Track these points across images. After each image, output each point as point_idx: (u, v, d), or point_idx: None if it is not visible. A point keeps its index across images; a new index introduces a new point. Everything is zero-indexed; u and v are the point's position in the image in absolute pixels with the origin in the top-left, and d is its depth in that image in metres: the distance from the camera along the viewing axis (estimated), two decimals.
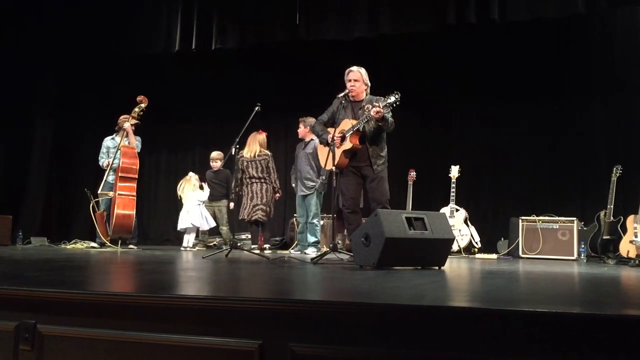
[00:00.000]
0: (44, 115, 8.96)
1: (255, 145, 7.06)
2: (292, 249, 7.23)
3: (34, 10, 8.34)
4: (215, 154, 7.97)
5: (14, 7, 8.27)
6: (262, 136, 7.15)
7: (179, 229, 7.63)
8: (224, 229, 7.83)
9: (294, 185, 7.18)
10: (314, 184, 6.82)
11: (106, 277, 3.34)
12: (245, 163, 7.04)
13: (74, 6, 8.27)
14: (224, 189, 7.91)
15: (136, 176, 7.18)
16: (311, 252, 6.44)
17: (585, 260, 6.21)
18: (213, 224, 7.70)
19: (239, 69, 8.92)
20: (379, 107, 4.72)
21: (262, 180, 7.02)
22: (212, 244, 7.99)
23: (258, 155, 7.02)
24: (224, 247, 6.92)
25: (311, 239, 6.77)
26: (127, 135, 7.30)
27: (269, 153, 7.13)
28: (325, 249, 6.26)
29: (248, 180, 7.04)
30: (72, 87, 9.23)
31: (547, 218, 6.71)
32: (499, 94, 7.94)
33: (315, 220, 6.77)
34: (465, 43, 7.88)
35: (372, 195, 5.03)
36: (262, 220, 7.00)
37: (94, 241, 7.32)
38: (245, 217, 7.01)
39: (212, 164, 7.95)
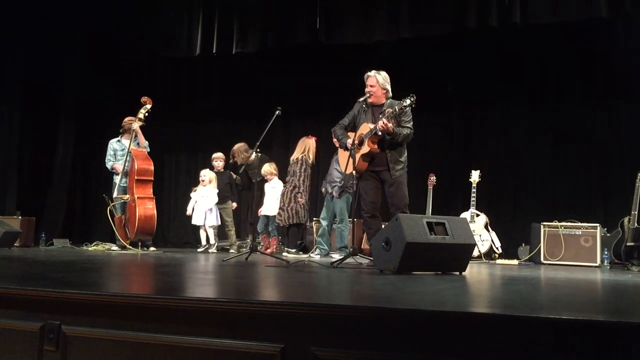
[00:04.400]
0: (67, 117, 9.07)
1: (296, 151, 7.25)
2: (312, 252, 7.22)
3: (62, 10, 8.48)
4: (217, 154, 7.94)
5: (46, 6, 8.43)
6: (310, 141, 7.25)
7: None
8: (231, 230, 7.77)
9: (323, 190, 7.19)
10: (336, 184, 6.82)
11: (129, 279, 3.38)
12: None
13: (98, 9, 8.39)
14: (227, 190, 7.83)
15: (152, 178, 7.16)
16: (339, 257, 6.41)
17: (608, 267, 6.11)
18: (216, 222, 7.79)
19: (259, 72, 8.95)
20: (386, 120, 4.71)
21: (286, 184, 7.18)
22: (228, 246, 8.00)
23: (294, 161, 7.20)
24: (243, 249, 6.93)
25: (339, 243, 6.76)
26: (135, 137, 7.18)
27: (298, 157, 7.14)
28: None
29: None
30: (95, 88, 9.32)
31: (569, 224, 6.59)
32: (521, 98, 7.86)
33: (341, 225, 6.75)
34: (486, 46, 7.80)
35: (391, 200, 5.00)
36: (278, 223, 7.21)
37: (115, 244, 7.39)
38: None
39: (215, 163, 7.86)
